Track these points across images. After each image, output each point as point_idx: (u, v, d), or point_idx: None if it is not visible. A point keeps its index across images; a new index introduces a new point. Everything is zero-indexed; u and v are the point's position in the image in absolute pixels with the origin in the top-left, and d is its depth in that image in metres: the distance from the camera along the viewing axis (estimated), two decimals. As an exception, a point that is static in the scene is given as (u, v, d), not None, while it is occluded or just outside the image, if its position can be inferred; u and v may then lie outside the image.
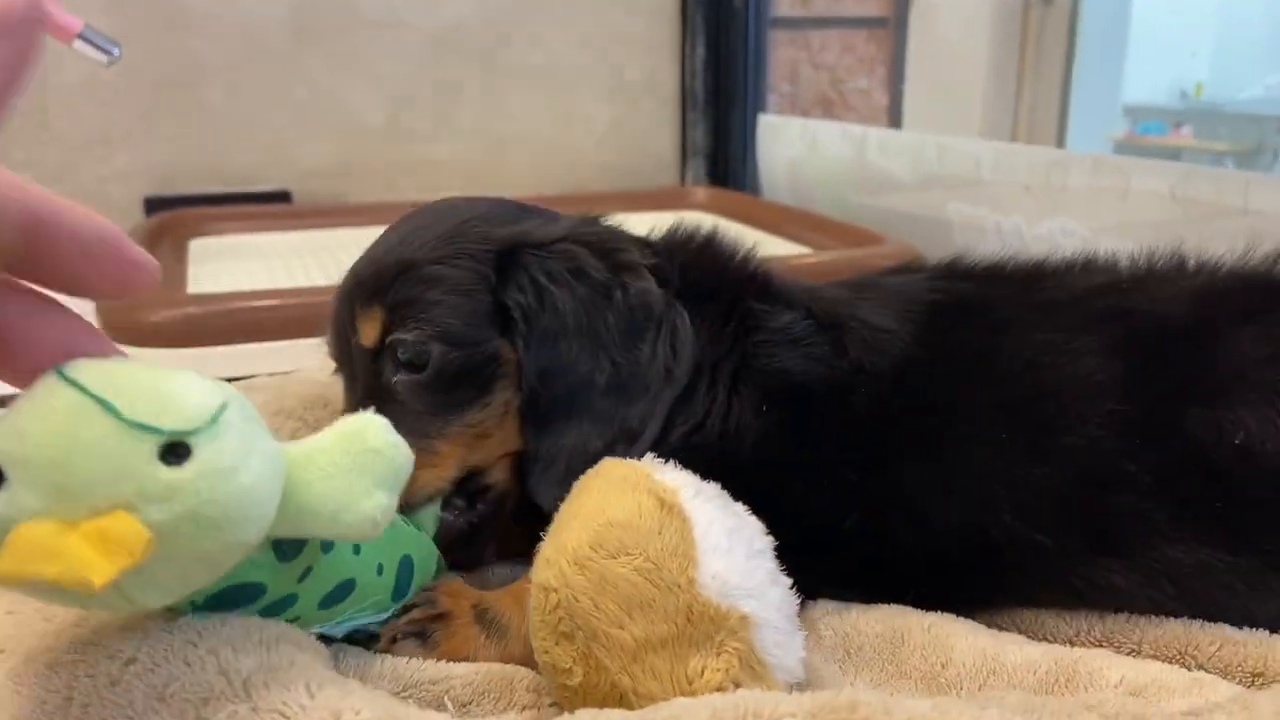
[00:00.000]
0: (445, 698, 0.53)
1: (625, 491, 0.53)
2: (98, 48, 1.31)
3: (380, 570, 0.56)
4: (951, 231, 1.52)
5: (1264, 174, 1.08)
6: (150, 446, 0.38)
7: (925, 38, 2.28)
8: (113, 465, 0.37)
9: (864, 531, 0.58)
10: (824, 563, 0.58)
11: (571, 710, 0.47)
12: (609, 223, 0.68)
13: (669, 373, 0.60)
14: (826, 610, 0.61)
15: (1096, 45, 2.94)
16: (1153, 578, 0.53)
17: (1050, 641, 0.58)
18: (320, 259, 1.51)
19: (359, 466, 0.46)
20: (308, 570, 0.51)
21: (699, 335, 0.61)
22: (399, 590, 0.57)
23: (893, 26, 2.13)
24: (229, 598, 0.47)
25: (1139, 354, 0.57)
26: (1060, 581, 0.57)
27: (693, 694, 0.48)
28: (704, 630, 0.49)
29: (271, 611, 0.50)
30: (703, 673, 0.49)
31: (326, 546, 0.52)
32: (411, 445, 0.57)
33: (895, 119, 2.15)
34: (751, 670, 0.50)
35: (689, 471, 0.55)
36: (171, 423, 0.38)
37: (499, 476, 0.63)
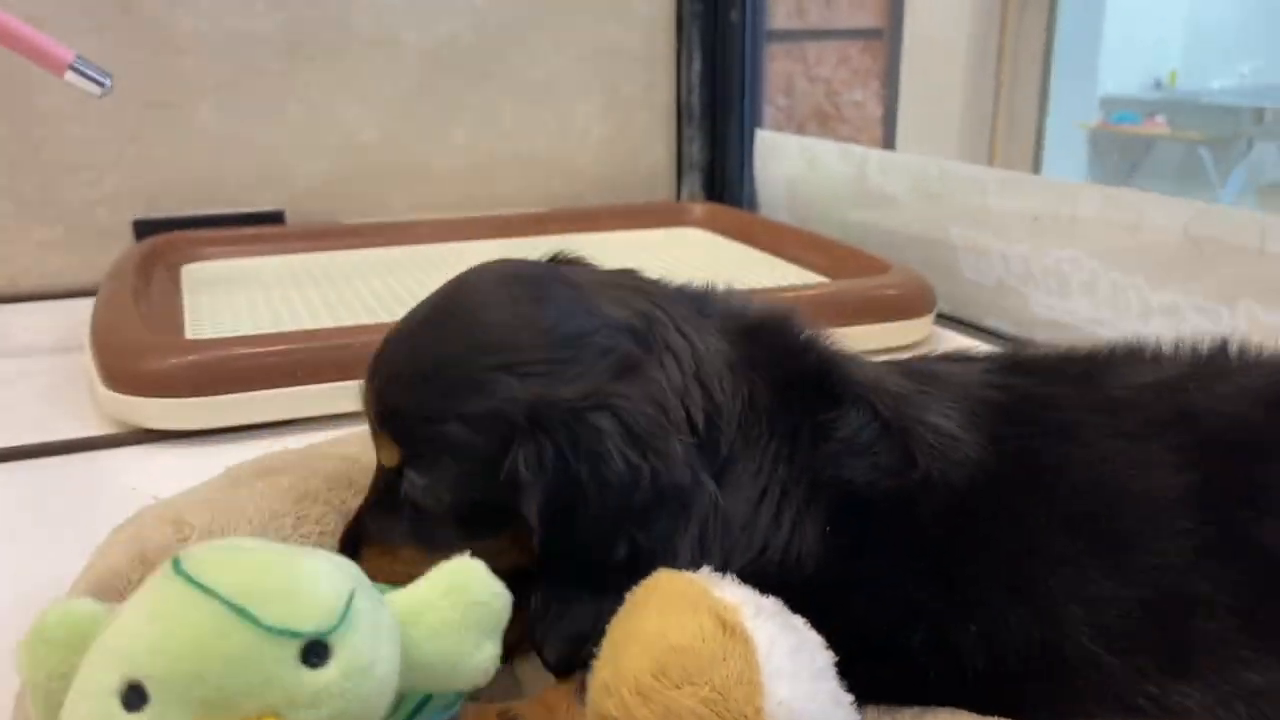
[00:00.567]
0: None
1: (685, 612, 0.52)
2: (89, 78, 1.28)
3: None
4: (955, 256, 1.52)
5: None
6: (292, 651, 0.38)
7: (917, 45, 2.27)
8: (258, 675, 0.37)
9: (928, 647, 0.57)
10: (882, 678, 0.57)
11: None
12: (669, 337, 0.63)
13: (677, 556, 0.57)
14: (877, 715, 0.59)
15: (1072, 36, 2.94)
16: (1225, 700, 0.52)
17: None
18: (320, 288, 1.49)
19: (467, 621, 0.46)
20: None
21: (766, 456, 0.59)
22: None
23: (887, 37, 2.12)
24: None
25: (1209, 465, 0.56)
26: (1127, 701, 0.56)
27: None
28: (774, 762, 0.48)
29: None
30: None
31: None
32: (429, 554, 0.57)
33: (890, 131, 2.14)
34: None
35: (745, 586, 0.54)
36: (311, 624, 0.39)
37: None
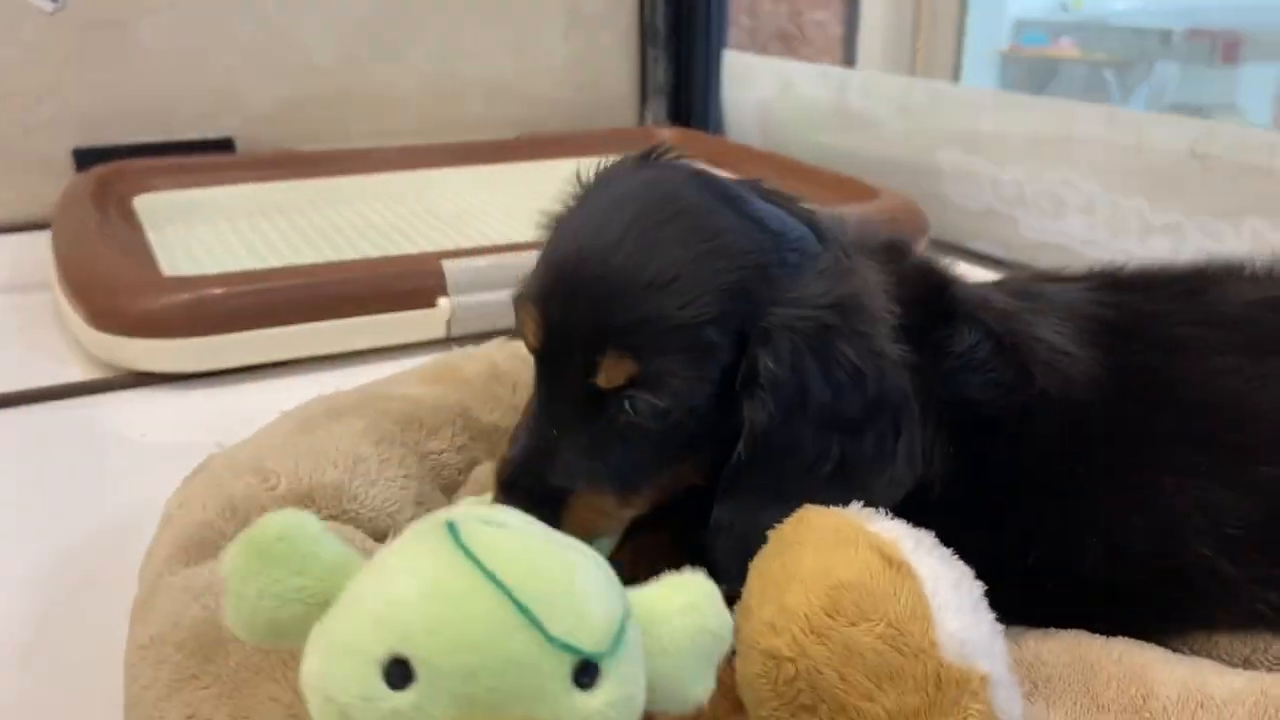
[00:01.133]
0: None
1: (845, 548, 0.50)
2: (41, -8, 1.18)
3: None
4: (942, 181, 1.51)
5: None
6: (567, 667, 0.36)
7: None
8: (532, 684, 0.35)
9: (1050, 563, 0.57)
10: (1009, 596, 0.56)
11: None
12: (857, 256, 0.60)
13: (892, 481, 0.55)
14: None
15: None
16: None
17: (1226, 661, 0.59)
18: (290, 219, 1.41)
19: (697, 649, 0.42)
20: None
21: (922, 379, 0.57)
22: None
23: (848, -43, 2.08)
24: None
25: None
26: (1246, 607, 0.57)
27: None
28: (951, 696, 0.47)
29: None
30: (959, 743, 0.47)
31: None
32: (616, 485, 0.56)
33: (850, 52, 2.12)
34: (993, 732, 0.48)
35: (898, 519, 0.52)
36: (590, 643, 0.36)
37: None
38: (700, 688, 0.43)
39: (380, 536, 0.62)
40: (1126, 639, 0.58)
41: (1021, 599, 0.56)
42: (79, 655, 0.62)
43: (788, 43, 2.01)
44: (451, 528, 0.37)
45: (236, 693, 0.48)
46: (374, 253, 1.24)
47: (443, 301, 1.10)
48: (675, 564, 0.55)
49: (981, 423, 0.57)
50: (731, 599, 0.46)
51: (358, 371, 1.08)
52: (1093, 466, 0.57)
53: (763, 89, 1.82)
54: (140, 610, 0.55)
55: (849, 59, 2.13)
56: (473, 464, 0.72)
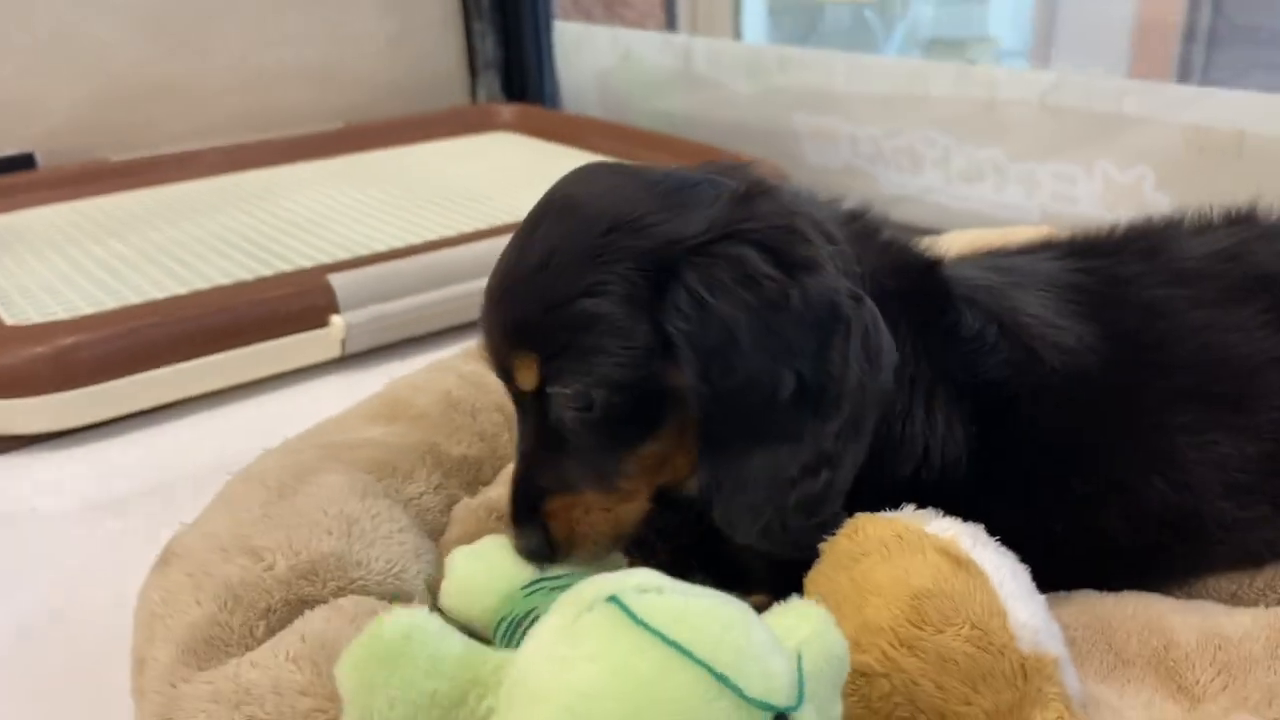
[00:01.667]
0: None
1: (911, 554, 0.50)
2: None
3: None
4: (799, 143, 1.54)
5: (1140, 80, 1.17)
6: None
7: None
8: None
9: (1078, 531, 0.59)
10: (1036, 566, 0.58)
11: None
12: (774, 187, 0.58)
13: (863, 386, 0.53)
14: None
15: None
16: None
17: (1217, 599, 0.63)
18: (123, 240, 1.28)
19: (831, 675, 0.42)
20: None
21: (901, 349, 0.56)
22: None
23: (661, -82, 2.07)
24: None
25: None
26: (1247, 547, 0.61)
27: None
28: (1036, 685, 0.48)
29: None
30: (1046, 729, 0.48)
31: None
32: (596, 485, 0.55)
33: (671, 16, 2.11)
34: (1070, 712, 0.50)
35: (948, 516, 0.53)
36: (783, 699, 0.36)
37: (693, 486, 0.57)
38: (838, 710, 0.43)
39: (389, 602, 0.57)
40: (1134, 593, 0.62)
41: (1047, 568, 0.57)
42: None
43: (611, 8, 1.98)
44: (617, 602, 0.35)
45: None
46: (238, 271, 1.15)
47: (335, 319, 1.03)
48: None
49: (1001, 403, 0.58)
50: (759, 607, 0.45)
51: (252, 404, 1.00)
52: (1109, 433, 0.59)
53: (600, 59, 1.79)
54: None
55: (671, 22, 2.13)
56: (452, 503, 0.68)
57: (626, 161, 0.65)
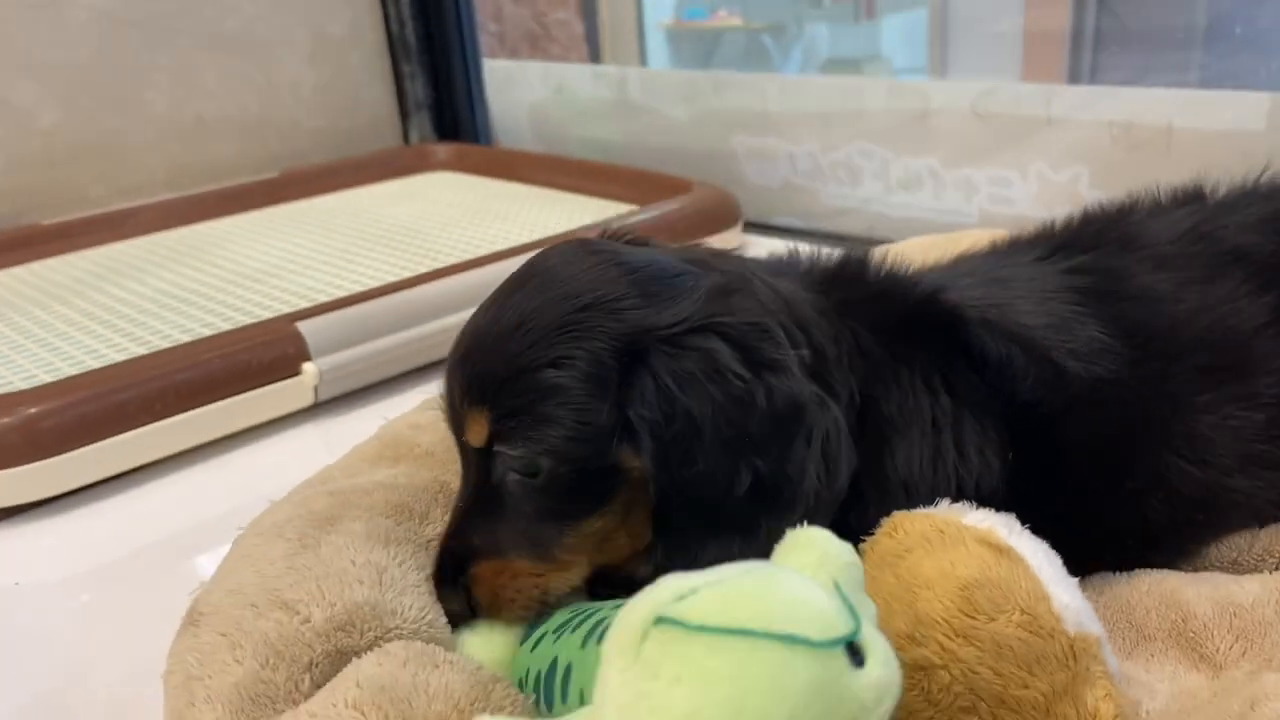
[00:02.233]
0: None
1: (955, 547, 0.52)
2: None
3: None
4: (738, 163, 1.57)
5: (1066, 85, 1.22)
6: (843, 660, 0.37)
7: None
8: (833, 696, 0.36)
9: (1124, 524, 0.62)
10: (1078, 558, 0.59)
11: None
12: (756, 278, 0.59)
13: (818, 493, 0.54)
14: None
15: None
16: None
17: (1219, 568, 0.66)
18: (66, 306, 1.24)
19: (855, 582, 0.43)
20: None
21: (918, 394, 0.58)
22: None
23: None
24: None
25: (1276, 285, 0.64)
26: (1259, 512, 0.64)
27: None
28: (1084, 664, 0.50)
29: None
30: (1097, 709, 0.50)
31: None
32: (530, 552, 0.56)
33: (594, 48, 2.14)
34: (1115, 688, 0.51)
35: (980, 507, 0.55)
36: (844, 627, 0.38)
37: (644, 571, 0.57)
38: (874, 609, 0.44)
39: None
40: (1146, 572, 0.64)
41: (1084, 560, 0.58)
42: None
43: (536, 44, 2.00)
44: (668, 621, 0.36)
45: None
46: (196, 326, 1.12)
47: (308, 367, 1.01)
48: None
49: (1039, 422, 0.60)
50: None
51: (226, 461, 0.98)
52: (1143, 426, 0.62)
53: (532, 93, 1.80)
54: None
55: (594, 55, 2.15)
56: (469, 541, 0.67)
57: (637, 240, 0.66)
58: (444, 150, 1.81)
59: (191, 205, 1.59)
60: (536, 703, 0.53)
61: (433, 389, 0.83)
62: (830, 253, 0.68)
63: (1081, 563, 0.57)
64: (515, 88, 1.83)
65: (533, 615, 0.57)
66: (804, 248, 0.69)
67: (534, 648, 0.55)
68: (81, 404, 0.90)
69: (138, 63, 1.60)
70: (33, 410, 0.89)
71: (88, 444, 0.90)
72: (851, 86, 1.40)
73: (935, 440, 0.58)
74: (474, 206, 1.58)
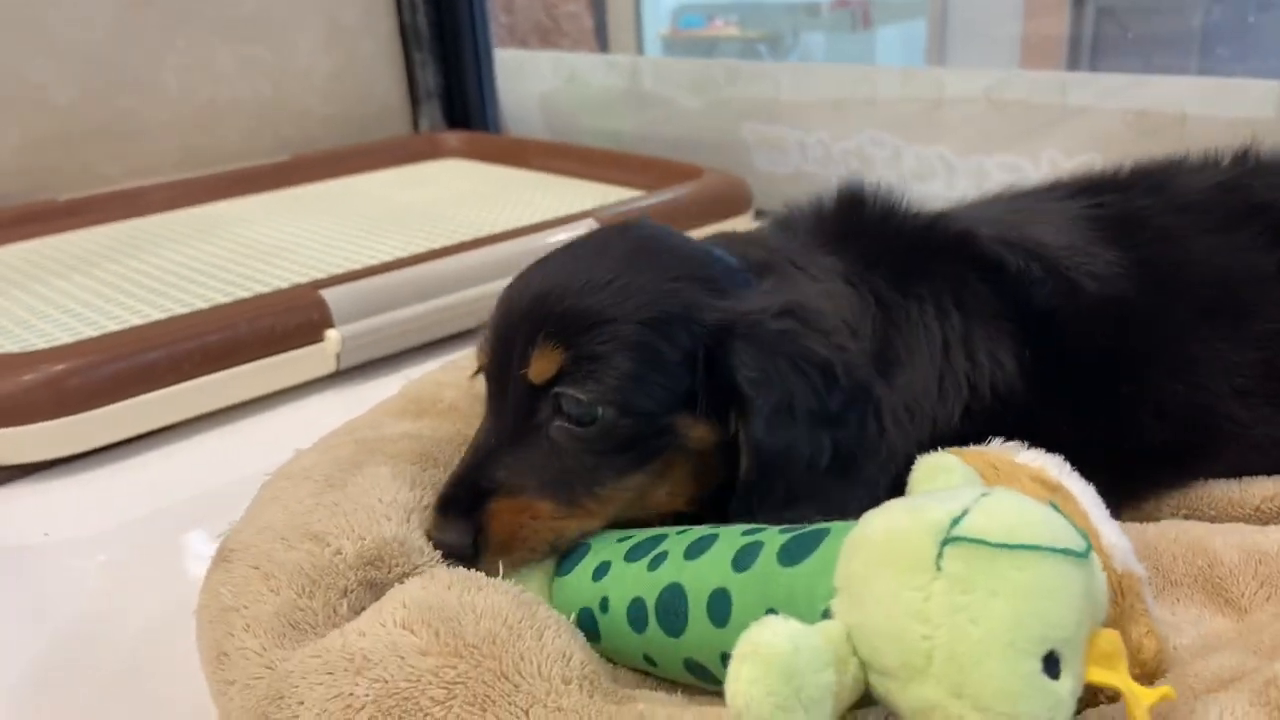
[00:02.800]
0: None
1: (1009, 483, 0.52)
2: None
3: None
4: (749, 152, 1.58)
5: (1089, 72, 1.24)
6: (1090, 566, 0.41)
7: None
8: (1100, 598, 0.42)
9: (1125, 438, 0.64)
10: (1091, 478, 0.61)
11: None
12: (790, 265, 0.65)
13: (876, 454, 0.58)
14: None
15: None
16: None
17: (1238, 517, 0.67)
18: (85, 275, 1.24)
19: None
20: None
21: (927, 319, 0.62)
22: None
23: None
24: None
25: None
26: (1255, 444, 0.66)
27: (1144, 668, 0.50)
28: (1129, 602, 0.51)
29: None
30: (1141, 644, 0.51)
31: None
32: (558, 497, 0.56)
33: (602, 40, 2.15)
34: (1154, 627, 0.52)
35: (1031, 447, 0.55)
36: (1082, 542, 0.41)
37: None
38: None
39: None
40: (1173, 521, 0.66)
41: (1111, 474, 0.60)
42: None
43: (545, 35, 2.01)
44: (960, 540, 0.39)
45: None
46: (216, 295, 1.13)
47: (331, 334, 1.02)
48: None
49: (1054, 328, 0.64)
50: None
51: (249, 424, 0.98)
52: (1142, 345, 0.65)
53: (543, 83, 1.81)
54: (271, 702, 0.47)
55: (602, 47, 2.17)
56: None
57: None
58: (454, 138, 1.81)
59: (203, 186, 1.60)
60: (638, 627, 0.52)
61: (453, 359, 0.85)
62: (828, 196, 0.70)
63: (1101, 482, 0.59)
64: (526, 77, 1.84)
65: (539, 558, 0.57)
66: (801, 200, 0.72)
67: (596, 578, 0.54)
68: (109, 362, 0.91)
69: (154, 44, 1.61)
70: (59, 368, 0.89)
71: (114, 402, 0.90)
72: (863, 75, 1.42)
73: (944, 357, 0.62)
74: (486, 192, 1.58)
